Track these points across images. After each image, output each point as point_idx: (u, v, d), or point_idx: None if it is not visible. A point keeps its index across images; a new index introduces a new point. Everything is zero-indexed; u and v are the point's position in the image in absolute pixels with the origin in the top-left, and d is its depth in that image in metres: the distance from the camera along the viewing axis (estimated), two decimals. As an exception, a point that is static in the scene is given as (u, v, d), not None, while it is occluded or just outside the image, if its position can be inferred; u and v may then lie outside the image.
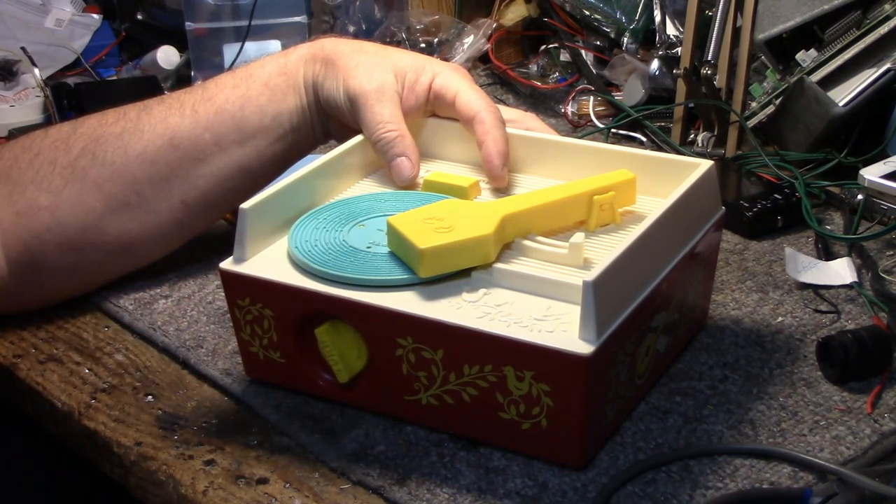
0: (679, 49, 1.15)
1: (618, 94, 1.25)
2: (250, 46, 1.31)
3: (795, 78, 1.06)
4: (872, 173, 0.88)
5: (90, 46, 1.38)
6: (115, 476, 0.75)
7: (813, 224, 0.93)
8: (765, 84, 1.11)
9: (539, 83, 1.32)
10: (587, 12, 1.27)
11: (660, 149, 1.14)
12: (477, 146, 0.81)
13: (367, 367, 0.71)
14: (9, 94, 1.27)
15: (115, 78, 1.37)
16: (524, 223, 0.73)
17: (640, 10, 1.23)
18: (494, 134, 0.81)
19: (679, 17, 1.19)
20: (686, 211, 0.74)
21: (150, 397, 0.78)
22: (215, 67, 1.30)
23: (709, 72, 1.08)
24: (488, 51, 1.33)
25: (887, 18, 1.02)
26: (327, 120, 0.87)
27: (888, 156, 0.95)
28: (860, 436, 0.70)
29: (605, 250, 0.71)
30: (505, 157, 0.81)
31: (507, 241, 0.72)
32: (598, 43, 1.29)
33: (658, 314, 0.71)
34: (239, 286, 0.73)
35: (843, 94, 1.02)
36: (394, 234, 0.72)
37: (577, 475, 0.67)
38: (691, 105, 1.14)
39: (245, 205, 0.73)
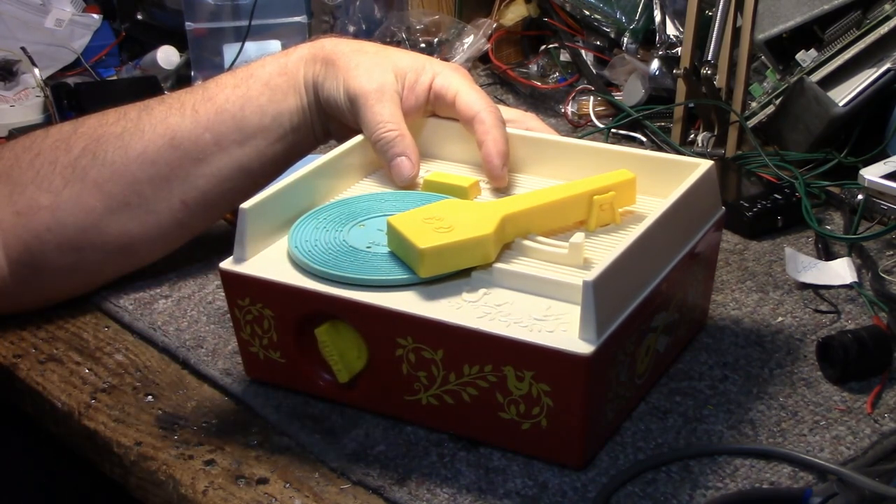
0: (679, 49, 1.15)
1: (618, 94, 1.25)
2: (250, 46, 1.31)
3: (795, 78, 1.06)
4: (872, 173, 0.89)
5: (90, 46, 1.38)
6: (115, 476, 0.75)
7: (813, 224, 0.93)
8: (765, 84, 1.11)
9: (539, 83, 1.32)
10: (587, 12, 1.27)
11: (660, 149, 1.14)
12: (477, 146, 0.81)
13: (367, 367, 0.71)
14: (9, 94, 1.27)
15: (115, 78, 1.37)
16: (524, 223, 0.73)
17: (640, 10, 1.23)
18: (494, 134, 0.81)
19: (679, 17, 1.19)
20: (686, 211, 0.74)
21: (150, 397, 0.78)
22: (215, 67, 1.30)
23: (709, 72, 1.08)
24: (488, 51, 1.33)
25: (887, 18, 1.02)
26: (327, 120, 0.87)
27: (888, 156, 0.95)
28: (860, 436, 0.70)
29: (605, 250, 0.71)
30: (505, 157, 0.81)
31: (507, 241, 0.72)
32: (598, 43, 1.29)
33: (658, 314, 0.71)
34: (239, 286, 0.73)
35: (843, 94, 1.02)
36: (394, 234, 0.72)
37: (577, 475, 0.67)
38: (691, 105, 1.14)
39: (245, 205, 0.73)
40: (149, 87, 1.25)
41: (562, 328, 0.65)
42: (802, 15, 1.06)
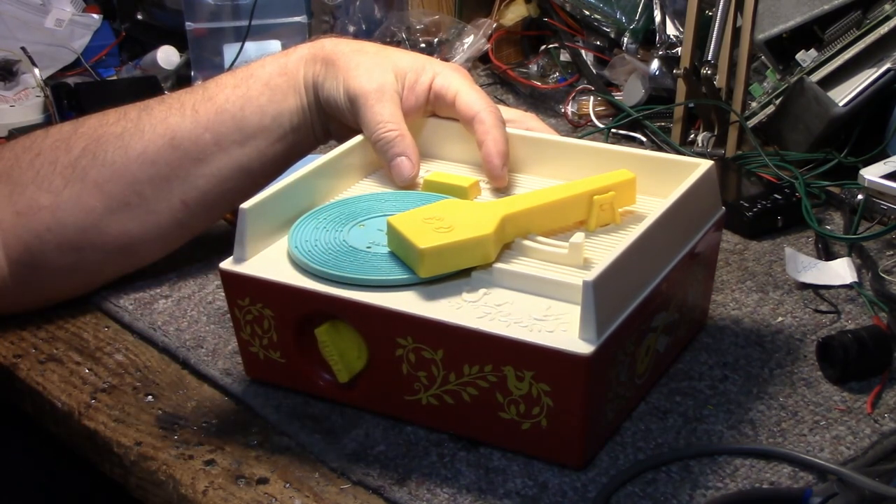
0: (679, 49, 1.15)
1: (618, 94, 1.25)
2: (250, 46, 1.31)
3: (795, 78, 1.06)
4: (872, 173, 0.89)
5: (90, 46, 1.38)
6: (115, 476, 0.75)
7: (813, 224, 0.93)
8: (765, 84, 1.11)
9: (539, 83, 1.32)
10: (587, 12, 1.27)
11: (660, 149, 1.14)
12: (477, 146, 0.81)
13: (367, 367, 0.71)
14: (9, 94, 1.27)
15: (115, 78, 1.37)
16: (524, 223, 0.73)
17: (640, 10, 1.23)
18: (494, 134, 0.81)
19: (679, 17, 1.19)
20: (686, 211, 0.74)
21: (150, 397, 0.78)
22: (215, 67, 1.30)
23: (709, 72, 1.08)
24: (488, 51, 1.33)
25: (887, 18, 1.02)
26: (327, 120, 0.87)
27: (888, 156, 0.95)
28: (860, 436, 0.70)
29: (605, 250, 0.71)
30: (505, 157, 0.81)
31: (507, 241, 0.72)
32: (598, 43, 1.29)
33: (658, 314, 0.71)
34: (239, 286, 0.73)
35: (843, 94, 1.02)
36: (394, 234, 0.72)
37: (577, 475, 0.67)
38: (691, 105, 1.14)
39: (245, 205, 0.73)
40: (149, 87, 1.25)
41: (562, 328, 0.65)
42: (802, 15, 1.06)
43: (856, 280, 0.86)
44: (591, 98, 1.25)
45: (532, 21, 1.35)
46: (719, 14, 1.09)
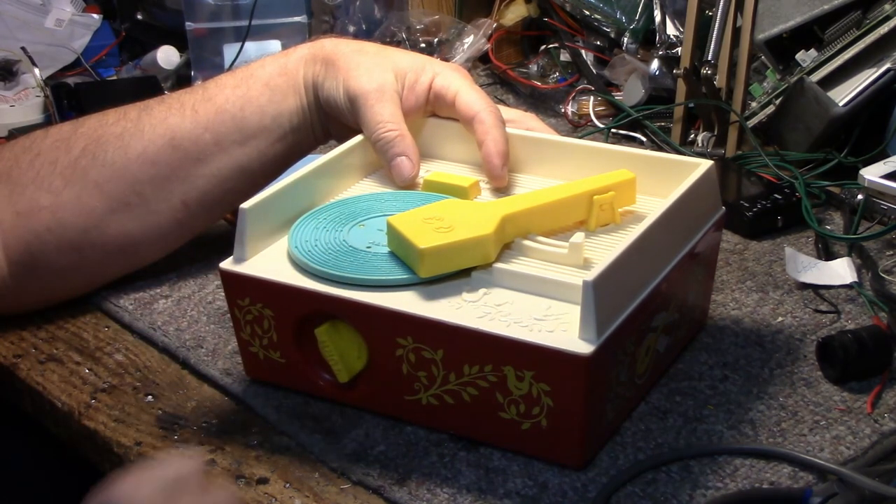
0: (679, 49, 1.15)
1: (618, 94, 1.25)
2: (250, 46, 1.31)
3: (795, 78, 1.06)
4: (872, 173, 0.89)
5: (90, 46, 1.38)
6: (116, 476, 0.75)
7: (813, 224, 0.93)
8: (765, 84, 1.11)
9: (539, 83, 1.32)
10: (587, 12, 1.27)
11: (660, 149, 1.14)
12: (477, 146, 0.81)
13: (367, 367, 0.71)
14: (9, 94, 1.27)
15: (115, 78, 1.37)
16: (524, 223, 0.73)
17: (640, 10, 1.23)
18: (494, 134, 0.81)
19: (679, 17, 1.19)
20: (686, 211, 0.74)
21: (150, 397, 0.78)
22: (215, 67, 1.30)
23: (709, 72, 1.08)
24: (488, 51, 1.33)
25: (887, 18, 1.02)
26: (327, 120, 0.87)
27: (888, 156, 0.95)
28: (860, 436, 0.70)
29: (605, 250, 0.71)
30: (505, 157, 0.81)
31: (507, 241, 0.72)
32: (598, 43, 1.29)
33: (658, 314, 0.71)
34: (239, 286, 0.73)
35: (843, 94, 1.02)
36: (394, 234, 0.72)
37: (577, 475, 0.67)
38: (691, 105, 1.14)
39: (245, 205, 0.73)
40: (149, 87, 1.25)
41: (562, 328, 0.65)
42: (802, 15, 1.06)
43: (856, 280, 0.86)
44: (591, 98, 1.25)
45: (532, 21, 1.35)
46: (719, 14, 1.09)
